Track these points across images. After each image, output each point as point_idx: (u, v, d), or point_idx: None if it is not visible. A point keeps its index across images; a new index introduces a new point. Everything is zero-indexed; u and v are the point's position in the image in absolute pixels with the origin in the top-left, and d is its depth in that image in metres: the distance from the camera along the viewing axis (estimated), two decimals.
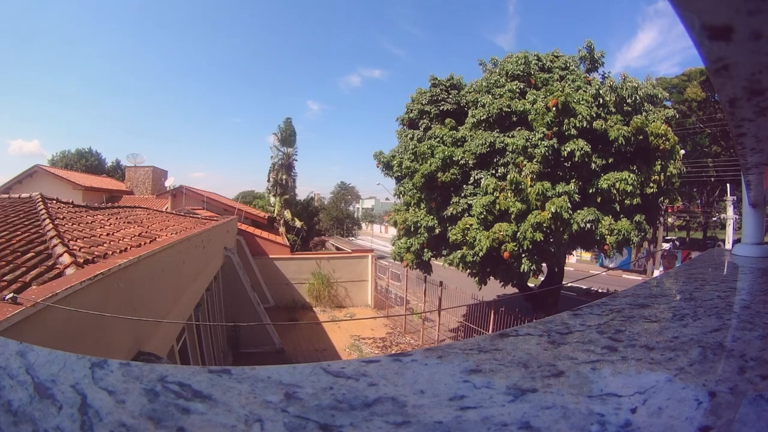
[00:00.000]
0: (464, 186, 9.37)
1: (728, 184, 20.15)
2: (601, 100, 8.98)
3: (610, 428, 0.46)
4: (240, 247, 14.33)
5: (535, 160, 8.30)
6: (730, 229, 19.05)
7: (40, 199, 6.18)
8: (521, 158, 8.47)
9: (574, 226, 8.03)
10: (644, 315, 0.96)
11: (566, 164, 8.57)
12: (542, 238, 7.95)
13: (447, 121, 10.19)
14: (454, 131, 9.88)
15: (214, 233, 9.69)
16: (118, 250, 4.37)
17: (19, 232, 4.36)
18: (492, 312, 10.09)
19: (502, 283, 9.88)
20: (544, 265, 9.39)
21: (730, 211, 19.15)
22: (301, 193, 37.20)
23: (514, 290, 11.20)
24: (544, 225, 7.87)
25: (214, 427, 0.44)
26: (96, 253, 4.01)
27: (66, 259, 3.55)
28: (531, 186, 8.09)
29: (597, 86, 9.16)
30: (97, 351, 3.23)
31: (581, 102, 8.55)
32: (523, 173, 8.27)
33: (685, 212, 30.19)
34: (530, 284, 11.28)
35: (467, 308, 11.26)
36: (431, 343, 11.77)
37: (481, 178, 9.04)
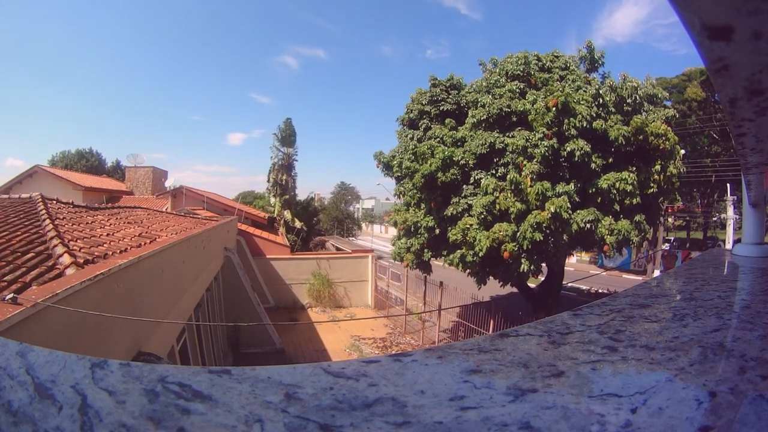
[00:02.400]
0: (464, 186, 9.37)
1: (728, 184, 20.15)
2: (601, 100, 8.98)
3: (611, 428, 0.46)
4: (240, 248, 14.33)
5: (535, 160, 8.30)
6: (730, 229, 19.05)
7: (40, 200, 6.19)
8: (521, 158, 8.47)
9: (574, 226, 8.03)
10: (644, 315, 0.96)
11: (566, 164, 8.57)
12: (542, 239, 7.95)
13: (447, 121, 10.19)
14: (454, 131, 9.88)
15: (214, 233, 9.70)
16: (118, 251, 4.37)
17: (19, 233, 4.36)
18: (490, 313, 10.09)
19: (501, 283, 9.88)
20: (543, 265, 9.39)
21: (730, 211, 19.16)
22: (302, 193, 37.21)
23: (510, 290, 11.20)
24: (544, 225, 7.87)
25: (215, 428, 0.44)
26: (96, 253, 4.01)
27: (66, 259, 3.56)
28: (531, 186, 8.09)
29: (597, 86, 9.16)
30: (97, 351, 3.23)
31: (581, 102, 8.55)
32: (523, 173, 8.27)
33: (685, 212, 30.19)
34: (530, 284, 11.28)
35: (464, 308, 11.26)
36: (431, 343, 11.77)
37: (481, 179, 9.04)
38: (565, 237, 8.20)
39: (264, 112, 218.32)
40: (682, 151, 10.35)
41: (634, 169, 8.60)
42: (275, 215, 22.18)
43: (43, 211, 5.31)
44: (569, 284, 15.04)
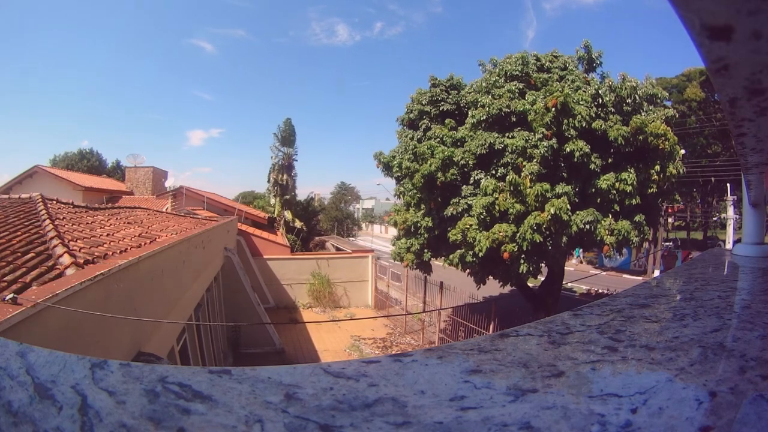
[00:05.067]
0: (464, 186, 9.37)
1: (728, 184, 20.17)
2: (600, 101, 8.98)
3: (611, 428, 0.46)
4: (240, 248, 14.33)
5: (534, 160, 8.30)
6: (730, 229, 19.07)
7: (40, 200, 6.18)
8: (520, 159, 8.47)
9: (574, 227, 8.03)
10: (644, 315, 0.96)
11: (565, 165, 8.57)
12: (541, 240, 7.95)
13: (447, 121, 10.20)
14: (454, 132, 9.89)
15: (214, 233, 9.69)
16: (118, 251, 4.37)
17: (19, 233, 4.36)
18: (489, 315, 10.09)
19: (501, 283, 9.88)
20: (543, 265, 9.38)
21: (730, 211, 19.18)
22: (301, 193, 37.10)
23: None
24: (544, 226, 7.87)
25: (215, 428, 0.44)
26: (96, 253, 4.01)
27: (66, 259, 3.55)
28: (530, 187, 8.09)
29: (596, 86, 9.16)
30: (97, 351, 3.23)
31: (580, 102, 8.55)
32: (522, 174, 8.27)
33: (685, 212, 30.20)
34: (530, 284, 11.28)
35: (464, 309, 11.27)
36: (431, 343, 11.77)
37: (480, 179, 9.04)
38: (564, 238, 8.20)
39: (210, 110, 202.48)
40: (682, 151, 10.35)
41: (632, 170, 8.60)
42: (275, 215, 22.18)
43: (43, 212, 5.31)
44: (569, 284, 15.04)
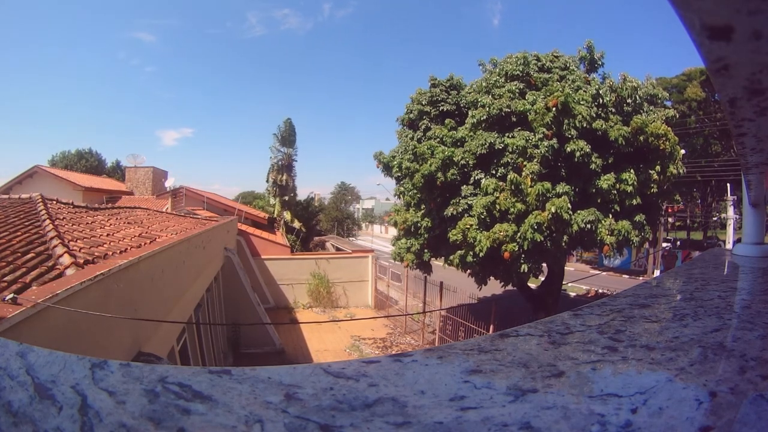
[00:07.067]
0: (464, 186, 9.38)
1: (728, 184, 20.17)
2: (600, 101, 8.98)
3: (611, 428, 0.46)
4: (240, 248, 14.34)
5: (535, 160, 8.30)
6: (730, 229, 19.08)
7: (40, 200, 6.18)
8: (521, 159, 8.47)
9: (574, 227, 8.03)
10: (645, 315, 0.96)
11: (563, 165, 8.57)
12: (542, 239, 7.95)
13: (447, 121, 10.20)
14: (454, 132, 9.89)
15: (214, 234, 9.69)
16: (118, 251, 4.37)
17: (19, 233, 4.36)
18: (487, 315, 10.09)
19: (502, 283, 9.89)
20: (544, 265, 9.39)
21: (730, 211, 19.19)
22: (301, 193, 37.02)
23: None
24: (544, 226, 7.87)
25: (215, 428, 0.44)
26: (96, 253, 4.01)
27: (66, 259, 3.55)
28: (531, 186, 8.09)
29: (597, 86, 9.16)
30: (97, 352, 3.23)
31: (581, 102, 8.55)
32: (523, 174, 8.27)
33: (685, 212, 30.19)
34: (531, 285, 11.28)
35: (463, 309, 11.27)
36: (430, 343, 11.77)
37: (481, 179, 9.03)
38: (565, 237, 8.20)
39: (174, 108, 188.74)
40: (683, 152, 10.35)
41: (631, 170, 8.60)
42: (275, 216, 22.18)
43: (43, 212, 5.31)
44: (568, 284, 15.05)
